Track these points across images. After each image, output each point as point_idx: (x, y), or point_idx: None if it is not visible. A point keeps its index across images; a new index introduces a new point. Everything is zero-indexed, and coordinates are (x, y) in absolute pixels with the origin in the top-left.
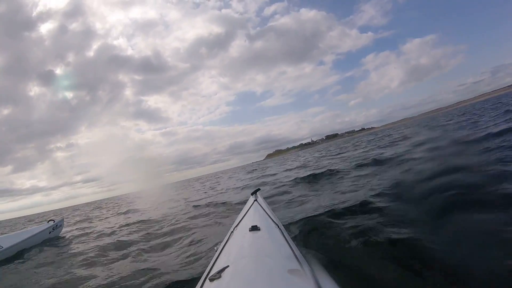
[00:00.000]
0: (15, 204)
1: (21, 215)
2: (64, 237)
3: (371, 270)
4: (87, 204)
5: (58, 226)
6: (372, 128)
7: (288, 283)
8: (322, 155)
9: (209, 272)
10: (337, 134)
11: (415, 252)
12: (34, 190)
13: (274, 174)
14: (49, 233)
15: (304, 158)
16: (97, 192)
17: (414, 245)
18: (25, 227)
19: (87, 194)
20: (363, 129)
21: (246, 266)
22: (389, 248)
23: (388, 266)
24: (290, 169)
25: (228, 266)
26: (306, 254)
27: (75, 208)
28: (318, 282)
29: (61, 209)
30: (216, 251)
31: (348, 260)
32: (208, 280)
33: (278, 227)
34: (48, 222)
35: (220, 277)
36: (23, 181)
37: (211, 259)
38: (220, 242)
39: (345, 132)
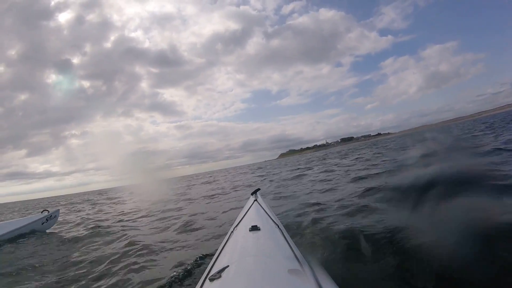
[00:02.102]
0: (28, 187)
1: (34, 198)
2: (55, 232)
3: (370, 270)
4: (99, 191)
5: (52, 217)
6: (389, 133)
7: (288, 283)
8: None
9: (209, 272)
10: (353, 137)
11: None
12: (47, 175)
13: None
14: (42, 224)
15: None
16: (108, 180)
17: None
18: (30, 213)
19: (99, 181)
20: (379, 134)
21: (246, 266)
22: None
23: (388, 265)
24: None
25: (228, 266)
26: (306, 254)
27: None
28: (318, 282)
29: (71, 195)
30: (216, 251)
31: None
32: (208, 280)
33: (278, 227)
34: (42, 212)
35: (220, 277)
36: (37, 165)
37: (211, 259)
38: (220, 242)
39: (361, 136)
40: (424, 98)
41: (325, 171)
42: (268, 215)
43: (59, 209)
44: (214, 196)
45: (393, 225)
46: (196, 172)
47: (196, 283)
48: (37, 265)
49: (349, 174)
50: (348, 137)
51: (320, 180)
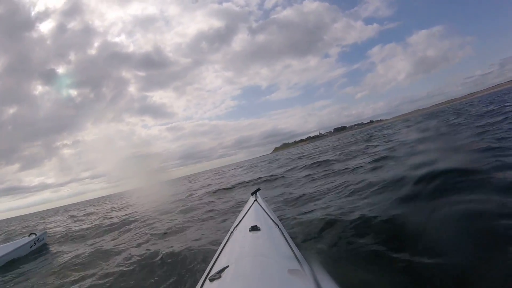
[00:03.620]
0: (24, 201)
1: (31, 212)
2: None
3: (370, 270)
4: (96, 199)
5: (40, 240)
6: (381, 120)
7: (288, 283)
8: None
9: (209, 272)
10: (345, 126)
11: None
12: (42, 187)
13: None
14: (30, 247)
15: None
16: (104, 188)
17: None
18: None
19: (95, 189)
20: (371, 122)
21: (246, 266)
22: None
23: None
24: None
25: (228, 266)
26: (306, 254)
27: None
28: (318, 282)
29: (66, 206)
30: (216, 251)
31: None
32: (208, 280)
33: (278, 227)
34: (29, 235)
35: (220, 277)
36: (31, 178)
37: (211, 259)
38: (220, 242)
39: (354, 125)
40: (413, 84)
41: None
42: (268, 215)
43: (46, 231)
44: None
45: None
46: (193, 173)
47: (196, 283)
48: None
49: None
50: (341, 127)
51: None
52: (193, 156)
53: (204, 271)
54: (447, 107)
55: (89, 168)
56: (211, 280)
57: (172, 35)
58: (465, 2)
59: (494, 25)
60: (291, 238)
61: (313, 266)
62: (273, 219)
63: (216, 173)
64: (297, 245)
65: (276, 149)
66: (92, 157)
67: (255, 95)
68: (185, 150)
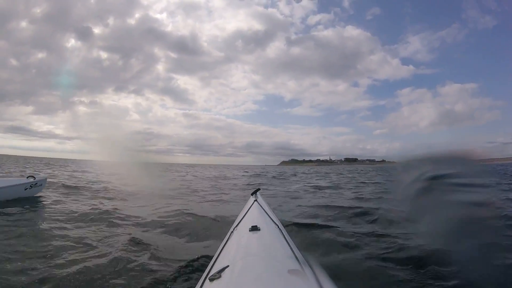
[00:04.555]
0: (28, 143)
1: (32, 155)
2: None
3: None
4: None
5: (38, 185)
6: (394, 162)
7: (288, 283)
8: None
9: (209, 272)
10: (357, 159)
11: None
12: (49, 135)
13: None
14: (25, 189)
15: None
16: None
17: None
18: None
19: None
20: (383, 161)
21: (246, 266)
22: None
23: (387, 266)
24: None
25: (228, 266)
26: (306, 254)
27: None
28: (319, 282)
29: (66, 160)
30: (216, 251)
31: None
32: (208, 280)
33: (278, 227)
34: (27, 177)
35: (220, 277)
36: (41, 124)
37: (211, 259)
38: (220, 242)
39: (366, 160)
40: (433, 133)
41: None
42: (268, 215)
43: (46, 178)
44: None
45: None
46: (197, 163)
47: (196, 283)
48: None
49: None
50: (352, 158)
51: None
52: (201, 148)
53: (204, 271)
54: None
55: (98, 130)
56: (211, 280)
57: (211, 26)
58: (504, 66)
59: None
60: (291, 238)
61: (313, 266)
62: (273, 219)
63: (216, 179)
64: (297, 245)
65: (283, 163)
66: (105, 121)
67: (276, 104)
68: (196, 140)
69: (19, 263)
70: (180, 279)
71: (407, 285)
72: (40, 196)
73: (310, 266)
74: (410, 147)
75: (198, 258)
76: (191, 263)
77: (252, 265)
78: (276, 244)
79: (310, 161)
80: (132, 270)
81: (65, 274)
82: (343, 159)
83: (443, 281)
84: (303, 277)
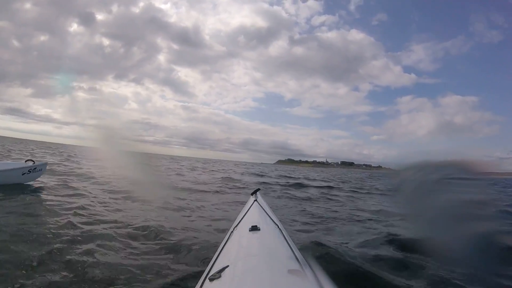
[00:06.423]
0: (25, 126)
1: (28, 138)
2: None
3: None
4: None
5: (37, 170)
6: (390, 169)
7: (288, 283)
8: None
9: (209, 272)
10: (353, 163)
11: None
12: (47, 119)
13: None
14: (22, 174)
15: None
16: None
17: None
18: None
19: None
20: (380, 167)
21: (246, 266)
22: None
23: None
24: None
25: (228, 266)
26: (306, 255)
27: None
28: (319, 282)
29: (63, 145)
30: (216, 251)
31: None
32: (208, 280)
33: (278, 227)
34: (26, 161)
35: (220, 277)
36: (39, 107)
37: (211, 259)
38: (220, 242)
39: (363, 164)
40: (430, 143)
41: None
42: (268, 215)
43: (47, 163)
44: None
45: None
46: (193, 156)
47: (196, 283)
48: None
49: None
50: (349, 162)
51: None
52: (198, 141)
53: (204, 270)
54: None
55: (96, 117)
56: (211, 279)
57: (215, 20)
58: (507, 81)
59: None
60: (291, 238)
61: (313, 267)
62: (273, 219)
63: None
64: (297, 245)
65: (280, 162)
66: (104, 108)
67: (276, 103)
68: (193, 133)
69: None
70: (180, 279)
71: (406, 284)
72: (38, 183)
73: (310, 266)
74: (408, 154)
75: (196, 260)
76: (189, 265)
77: (252, 265)
78: (276, 244)
79: (307, 162)
80: (129, 271)
81: None
82: (339, 162)
83: (440, 278)
84: (303, 277)
